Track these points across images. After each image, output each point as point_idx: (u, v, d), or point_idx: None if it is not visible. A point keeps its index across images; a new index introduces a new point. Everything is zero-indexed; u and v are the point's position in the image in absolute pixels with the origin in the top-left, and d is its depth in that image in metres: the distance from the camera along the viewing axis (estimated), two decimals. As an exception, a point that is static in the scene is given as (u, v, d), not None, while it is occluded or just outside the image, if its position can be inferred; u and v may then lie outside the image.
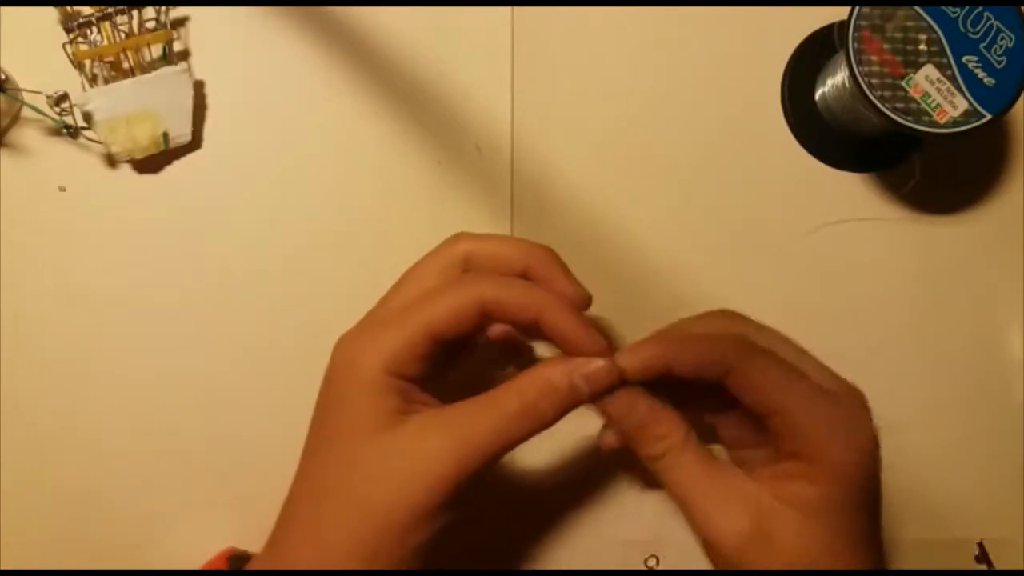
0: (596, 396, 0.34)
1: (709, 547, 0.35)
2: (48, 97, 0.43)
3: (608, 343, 0.35)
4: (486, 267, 0.36)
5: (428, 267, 0.36)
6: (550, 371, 0.33)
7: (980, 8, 0.41)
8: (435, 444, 0.31)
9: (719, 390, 0.35)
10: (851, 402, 0.35)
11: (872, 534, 0.35)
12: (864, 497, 0.34)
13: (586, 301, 0.37)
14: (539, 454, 0.45)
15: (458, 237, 0.37)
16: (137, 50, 0.44)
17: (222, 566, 0.41)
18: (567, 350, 0.35)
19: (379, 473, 0.31)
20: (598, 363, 0.34)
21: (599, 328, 0.35)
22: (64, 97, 0.43)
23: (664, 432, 0.34)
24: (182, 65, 0.44)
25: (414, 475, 0.31)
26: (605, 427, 0.38)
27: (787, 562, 0.33)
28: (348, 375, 0.34)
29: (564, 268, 0.37)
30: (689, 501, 0.34)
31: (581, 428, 0.45)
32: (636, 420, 0.35)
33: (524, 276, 0.36)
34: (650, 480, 0.42)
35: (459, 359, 0.38)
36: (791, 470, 0.34)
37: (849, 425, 0.34)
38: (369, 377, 0.33)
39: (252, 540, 0.44)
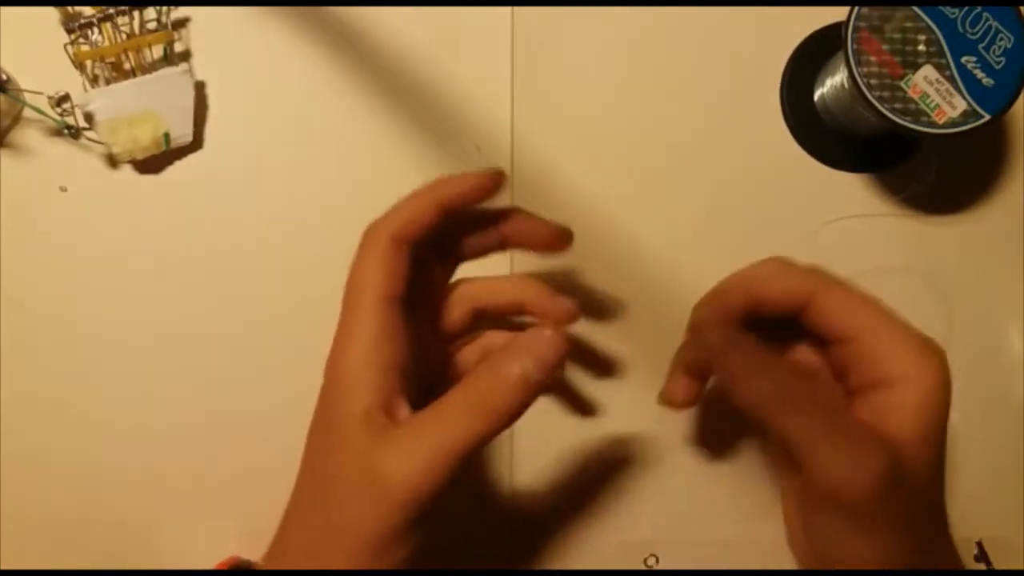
0: (554, 373, 0.32)
1: (831, 499, 0.31)
2: (49, 98, 0.43)
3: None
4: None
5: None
6: (503, 366, 0.31)
7: (979, 9, 0.41)
8: (395, 468, 0.30)
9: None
10: (933, 344, 0.34)
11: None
12: (942, 427, 0.33)
13: (573, 314, 0.37)
14: (540, 454, 0.45)
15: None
16: (138, 51, 0.44)
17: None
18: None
19: (348, 497, 0.30)
20: (544, 341, 0.32)
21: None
22: (65, 98, 0.43)
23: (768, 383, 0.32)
24: (183, 66, 0.45)
25: (380, 500, 0.30)
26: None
27: (918, 507, 0.32)
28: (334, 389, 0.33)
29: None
30: (807, 445, 0.31)
31: (581, 428, 0.45)
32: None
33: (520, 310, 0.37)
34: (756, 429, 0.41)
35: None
36: (883, 403, 0.32)
37: (929, 345, 0.33)
38: (354, 366, 0.32)
39: (255, 547, 0.44)
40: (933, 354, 0.32)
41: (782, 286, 0.34)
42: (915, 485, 0.31)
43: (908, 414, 0.31)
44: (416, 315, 0.34)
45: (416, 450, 0.30)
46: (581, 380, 0.46)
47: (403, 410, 0.31)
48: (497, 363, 0.31)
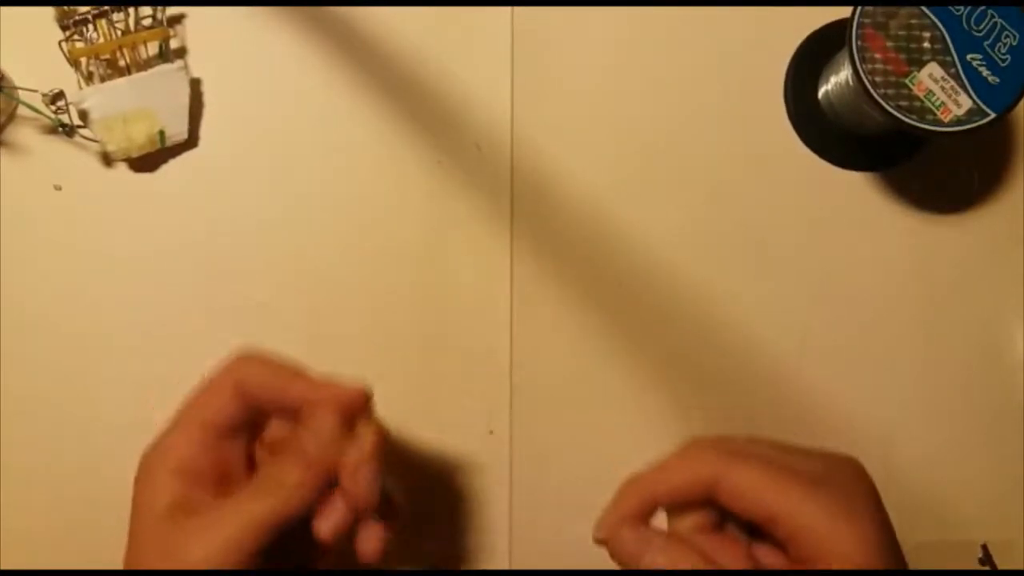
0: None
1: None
2: (44, 95, 0.42)
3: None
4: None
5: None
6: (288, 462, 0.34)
7: (984, 6, 0.40)
8: (195, 553, 0.32)
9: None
10: (844, 479, 0.34)
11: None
12: (888, 563, 0.33)
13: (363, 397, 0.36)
14: (540, 455, 0.45)
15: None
16: (133, 48, 0.44)
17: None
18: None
19: None
20: (321, 429, 0.34)
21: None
22: (60, 95, 0.43)
23: (657, 563, 0.34)
24: (179, 63, 0.44)
25: None
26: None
27: None
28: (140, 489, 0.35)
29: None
30: None
31: (582, 429, 0.45)
32: (625, 559, 0.34)
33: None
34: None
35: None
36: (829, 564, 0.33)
37: (850, 508, 0.32)
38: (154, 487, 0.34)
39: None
40: (853, 521, 0.32)
41: (678, 480, 0.34)
42: None
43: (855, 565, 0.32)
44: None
45: (212, 536, 0.32)
46: (581, 380, 0.45)
47: (204, 503, 0.34)
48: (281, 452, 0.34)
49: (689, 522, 0.34)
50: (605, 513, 0.35)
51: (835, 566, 0.32)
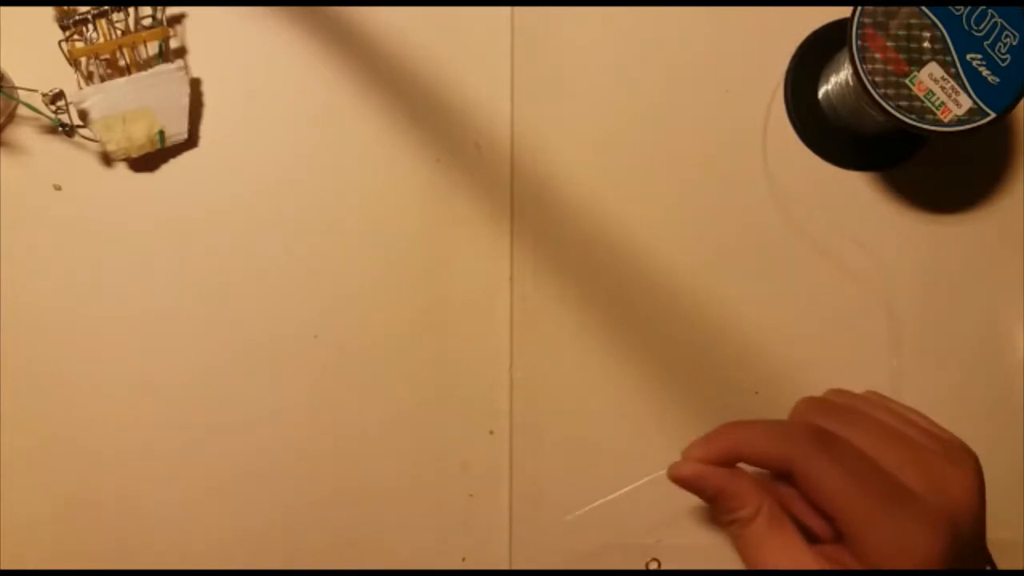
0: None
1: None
2: (44, 95, 0.42)
3: None
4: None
5: None
6: None
7: (984, 6, 0.40)
8: None
9: None
10: (939, 495, 0.33)
11: None
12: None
13: None
14: (540, 455, 0.45)
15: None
16: (133, 48, 0.44)
17: None
18: None
19: None
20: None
21: None
22: (60, 95, 0.42)
23: (732, 506, 0.35)
24: (178, 63, 0.44)
25: None
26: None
27: None
28: None
29: None
30: (748, 566, 0.34)
31: (582, 430, 0.45)
32: (708, 495, 0.35)
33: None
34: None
35: None
36: (848, 561, 0.33)
37: (915, 541, 0.32)
38: None
39: (255, 546, 0.44)
40: (914, 548, 0.32)
41: (763, 450, 0.34)
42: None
43: None
44: None
45: None
46: (581, 380, 0.45)
47: None
48: None
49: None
50: (692, 445, 0.36)
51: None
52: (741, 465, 0.35)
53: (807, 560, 0.33)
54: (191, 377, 0.45)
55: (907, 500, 0.32)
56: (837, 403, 0.37)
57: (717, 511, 0.35)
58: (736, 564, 0.44)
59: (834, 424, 0.34)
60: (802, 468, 0.33)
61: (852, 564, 0.33)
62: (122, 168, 0.45)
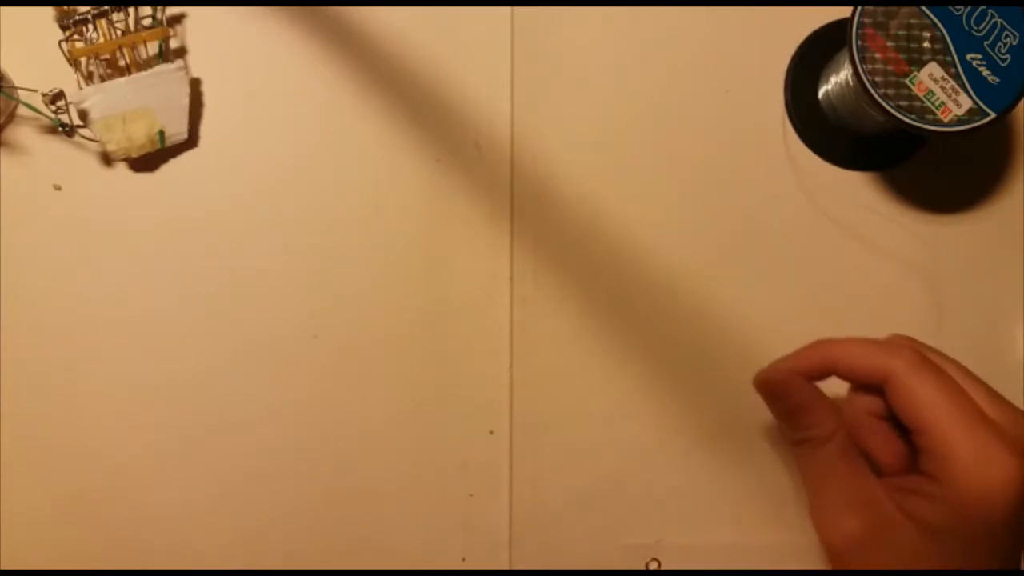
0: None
1: (821, 540, 0.35)
2: (44, 95, 0.42)
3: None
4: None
5: None
6: None
7: (984, 6, 0.40)
8: None
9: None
10: (1012, 436, 0.33)
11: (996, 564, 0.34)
12: (990, 531, 0.33)
13: None
14: (540, 455, 0.45)
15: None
16: (133, 48, 0.44)
17: None
18: None
19: None
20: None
21: None
22: (60, 95, 0.42)
23: (811, 422, 0.35)
24: (178, 63, 0.44)
25: None
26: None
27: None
28: None
29: None
30: (810, 492, 0.35)
31: (583, 430, 0.45)
32: (791, 405, 0.36)
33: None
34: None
35: None
36: (921, 485, 0.33)
37: (997, 460, 0.32)
38: None
39: (255, 546, 0.44)
40: (992, 469, 0.32)
41: (861, 362, 0.35)
42: (913, 558, 0.33)
43: (937, 514, 0.33)
44: None
45: None
46: (581, 380, 0.45)
47: None
48: None
49: (860, 402, 0.36)
50: (781, 360, 0.36)
51: (944, 493, 0.32)
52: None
53: (877, 490, 0.34)
54: (191, 377, 0.45)
55: (992, 425, 0.33)
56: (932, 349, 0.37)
57: (793, 427, 0.36)
58: (736, 564, 0.45)
59: (929, 354, 0.35)
60: (901, 378, 0.33)
61: (923, 491, 0.33)
62: (122, 168, 0.45)
